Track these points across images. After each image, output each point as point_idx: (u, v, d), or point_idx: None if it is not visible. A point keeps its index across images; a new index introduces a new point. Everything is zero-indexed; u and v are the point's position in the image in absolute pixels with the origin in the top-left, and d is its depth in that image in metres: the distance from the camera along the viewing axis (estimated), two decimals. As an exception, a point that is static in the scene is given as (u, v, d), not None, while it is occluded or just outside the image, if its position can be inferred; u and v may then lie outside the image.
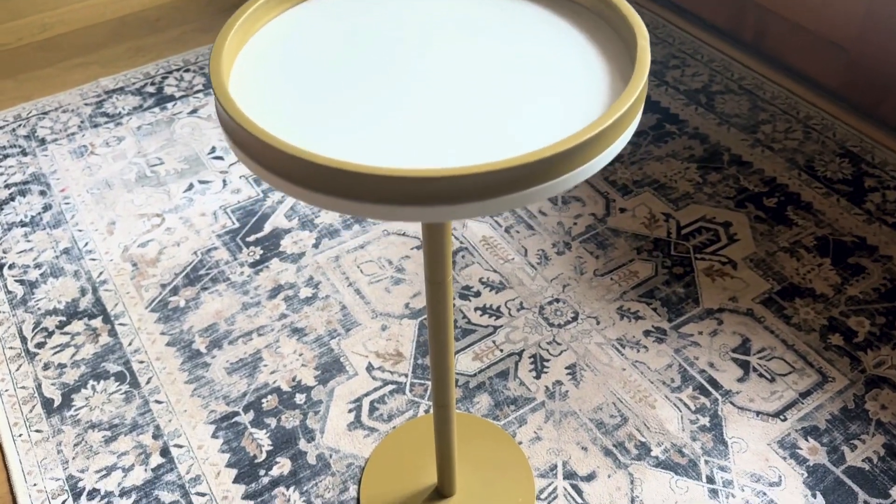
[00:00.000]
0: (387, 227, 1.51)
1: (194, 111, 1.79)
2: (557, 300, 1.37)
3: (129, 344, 1.31)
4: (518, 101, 0.61)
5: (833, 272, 1.40)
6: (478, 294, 1.38)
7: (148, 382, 1.26)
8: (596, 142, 0.54)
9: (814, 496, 1.10)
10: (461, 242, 1.47)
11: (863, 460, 1.14)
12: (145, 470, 1.15)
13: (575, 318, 1.34)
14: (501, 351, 1.29)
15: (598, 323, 1.33)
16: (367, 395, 1.23)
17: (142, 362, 1.29)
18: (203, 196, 1.58)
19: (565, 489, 1.11)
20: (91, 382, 1.26)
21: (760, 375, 1.25)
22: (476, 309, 1.36)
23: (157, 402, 1.23)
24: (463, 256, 1.45)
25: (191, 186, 1.60)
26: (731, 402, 1.21)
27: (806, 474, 1.12)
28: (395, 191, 0.53)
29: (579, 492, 1.11)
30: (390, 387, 1.24)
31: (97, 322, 1.35)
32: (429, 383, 1.25)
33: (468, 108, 0.60)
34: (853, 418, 1.19)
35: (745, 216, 1.51)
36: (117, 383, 1.26)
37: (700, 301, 1.36)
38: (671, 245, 1.46)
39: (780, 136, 1.69)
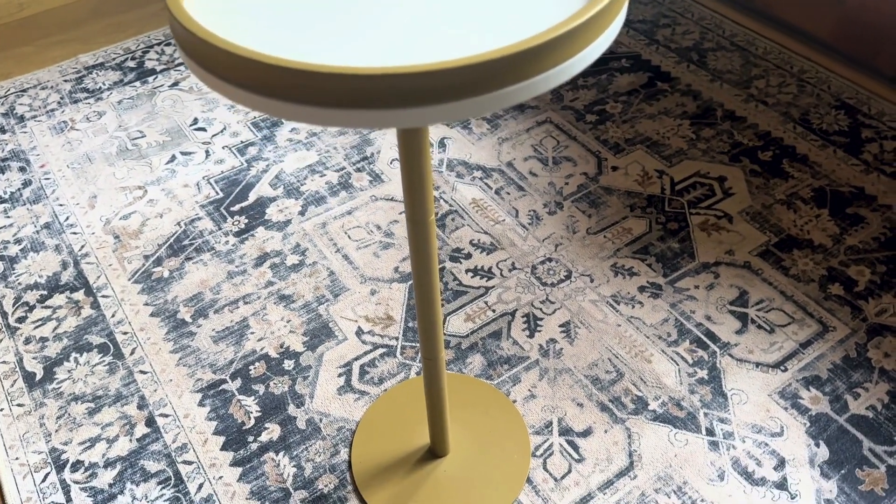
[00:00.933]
0: (374, 192, 1.47)
1: (175, 84, 1.75)
2: (550, 259, 1.34)
3: (113, 315, 1.28)
4: (497, 5, 0.57)
5: (831, 223, 1.37)
6: (468, 256, 1.35)
7: (132, 353, 1.23)
8: (580, 33, 0.51)
9: (817, 445, 1.07)
10: (450, 205, 1.44)
11: (867, 408, 1.11)
12: (130, 440, 1.12)
13: (568, 277, 1.31)
14: (494, 311, 1.26)
15: (591, 280, 1.30)
16: (356, 359, 1.20)
17: (125, 333, 1.26)
18: (186, 167, 1.54)
19: (561, 445, 1.08)
20: (74, 355, 1.23)
21: (759, 327, 1.22)
22: (467, 271, 1.32)
23: (142, 372, 1.20)
24: (453, 219, 1.41)
25: (173, 158, 1.57)
26: (730, 355, 1.18)
27: (808, 424, 1.09)
28: (366, 91, 0.49)
29: (575, 447, 1.08)
30: (381, 350, 1.21)
31: (79, 295, 1.32)
32: (419, 345, 1.22)
33: (443, 12, 0.57)
34: (856, 367, 1.16)
35: (740, 170, 1.48)
36: (101, 355, 1.23)
37: (696, 255, 1.33)
38: (665, 201, 1.43)
39: (773, 90, 1.66)
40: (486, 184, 1.48)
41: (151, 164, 1.56)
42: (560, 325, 1.23)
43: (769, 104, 1.62)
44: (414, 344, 1.22)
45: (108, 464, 1.09)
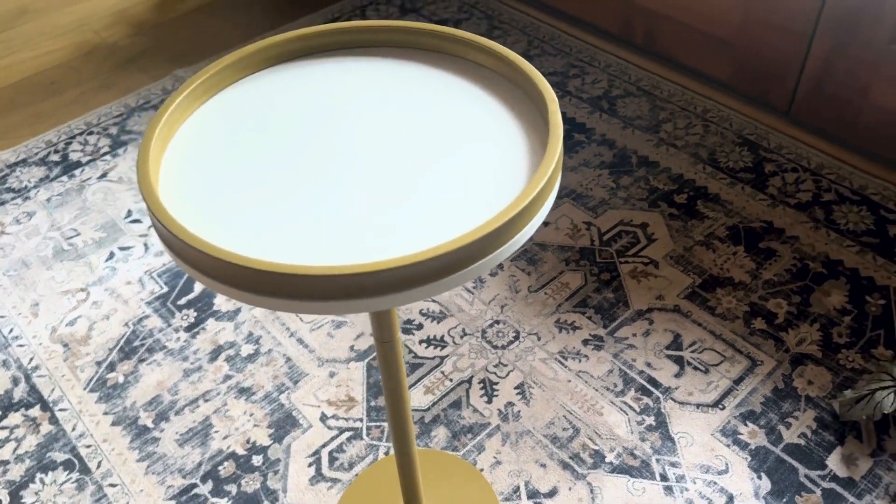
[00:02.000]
0: (319, 271, 1.51)
1: (104, 175, 1.75)
2: (497, 322, 1.41)
3: (73, 429, 1.28)
4: (444, 179, 0.63)
5: (747, 258, 1.49)
6: (420, 326, 1.40)
7: (99, 467, 1.23)
8: (525, 213, 0.58)
9: (759, 478, 1.17)
10: (395, 277, 1.49)
11: (798, 436, 1.22)
12: (109, 559, 1.12)
13: (517, 338, 1.38)
14: (451, 381, 1.32)
15: (538, 339, 1.37)
16: (324, 446, 1.24)
17: (89, 446, 1.26)
18: (126, 263, 1.55)
19: (530, 509, 1.15)
20: (39, 475, 1.22)
21: (695, 368, 1.32)
22: (421, 342, 1.38)
23: (112, 485, 1.21)
24: (399, 291, 1.47)
25: (112, 255, 1.57)
26: (672, 399, 1.28)
27: (749, 458, 1.20)
28: (338, 288, 0.55)
29: (544, 509, 1.15)
30: (347, 434, 1.26)
31: (35, 411, 1.31)
32: (385, 424, 1.27)
33: (397, 193, 0.63)
34: (784, 397, 1.27)
35: (659, 215, 1.59)
36: (67, 472, 1.22)
37: (630, 303, 1.42)
38: (596, 252, 1.52)
39: (681, 132, 1.78)
40: (426, 252, 1.54)
41: (90, 263, 1.55)
42: (515, 388, 1.30)
43: (678, 146, 1.74)
44: (379, 423, 1.26)
45: (90, 587, 1.10)
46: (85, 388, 1.34)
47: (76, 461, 1.24)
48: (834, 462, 1.19)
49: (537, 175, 0.59)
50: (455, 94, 0.72)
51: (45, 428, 1.28)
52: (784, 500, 1.14)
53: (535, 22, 2.16)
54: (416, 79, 0.74)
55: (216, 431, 1.27)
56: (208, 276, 0.58)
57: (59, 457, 1.25)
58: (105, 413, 1.30)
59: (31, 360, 1.38)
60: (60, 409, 1.31)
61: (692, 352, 1.34)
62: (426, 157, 0.66)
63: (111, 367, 1.37)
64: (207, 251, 0.56)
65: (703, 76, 1.91)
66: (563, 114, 1.84)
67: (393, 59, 0.76)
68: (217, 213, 0.62)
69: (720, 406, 1.26)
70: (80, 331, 1.43)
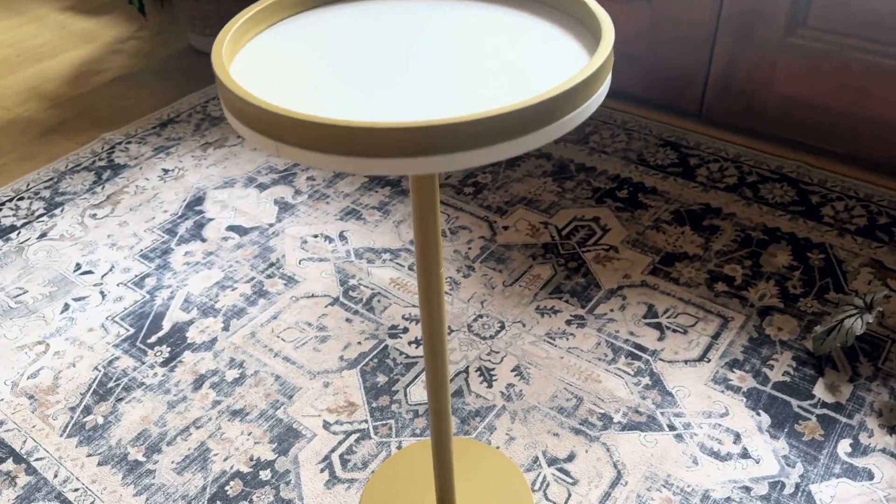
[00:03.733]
0: (292, 293, 1.50)
1: (44, 235, 1.67)
2: (481, 316, 1.43)
3: (55, 476, 1.18)
4: (503, 75, 0.68)
5: (695, 235, 1.60)
6: (406, 330, 1.41)
7: (91, 508, 1.14)
8: (589, 84, 0.63)
9: (758, 414, 1.23)
10: (371, 289, 1.50)
11: (782, 374, 1.30)
12: None
13: (502, 327, 1.40)
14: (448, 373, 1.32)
15: (524, 326, 1.41)
16: (333, 450, 1.21)
17: (76, 490, 1.16)
18: (84, 312, 1.47)
19: (553, 475, 1.15)
20: (23, 528, 1.11)
21: (674, 331, 1.38)
22: (409, 343, 1.38)
23: (110, 524, 1.12)
24: (379, 301, 1.47)
25: (66, 307, 1.49)
26: (661, 359, 1.33)
27: (745, 399, 1.26)
28: (408, 142, 0.57)
29: (566, 473, 1.16)
30: (354, 436, 1.23)
31: (8, 465, 1.20)
32: (392, 422, 1.25)
33: (464, 79, 0.67)
34: (761, 344, 1.35)
35: (607, 209, 1.68)
36: (55, 519, 1.12)
37: (601, 285, 1.49)
38: (558, 246, 1.59)
39: (608, 141, 1.91)
40: (397, 263, 1.56)
41: (45, 317, 1.47)
42: (512, 370, 1.32)
43: (609, 153, 1.87)
44: (385, 421, 1.24)
45: None
46: (62, 435, 1.24)
47: (64, 506, 1.14)
48: (819, 391, 1.26)
49: (598, 54, 0.64)
50: (507, 19, 0.77)
51: (23, 480, 1.18)
52: (786, 429, 1.21)
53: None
54: (469, 8, 0.79)
55: (215, 454, 1.21)
56: (291, 143, 0.59)
57: (44, 505, 1.14)
58: (89, 455, 1.21)
59: (-6, 415, 1.28)
60: (36, 459, 1.21)
61: (668, 317, 1.41)
62: (488, 54, 0.70)
63: (87, 411, 1.28)
64: (286, 114, 0.57)
65: (619, 94, 2.07)
66: (498, 136, 1.94)
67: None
68: (285, 92, 0.64)
69: (706, 359, 1.33)
70: (45, 381, 1.34)
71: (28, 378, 1.34)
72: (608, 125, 1.97)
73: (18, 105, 2.17)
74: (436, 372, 0.93)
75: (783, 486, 1.13)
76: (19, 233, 1.68)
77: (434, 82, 0.67)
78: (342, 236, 1.64)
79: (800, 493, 1.12)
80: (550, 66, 0.69)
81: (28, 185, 1.83)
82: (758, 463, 1.16)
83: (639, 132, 1.93)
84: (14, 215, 1.73)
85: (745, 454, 1.17)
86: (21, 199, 1.79)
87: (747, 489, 1.13)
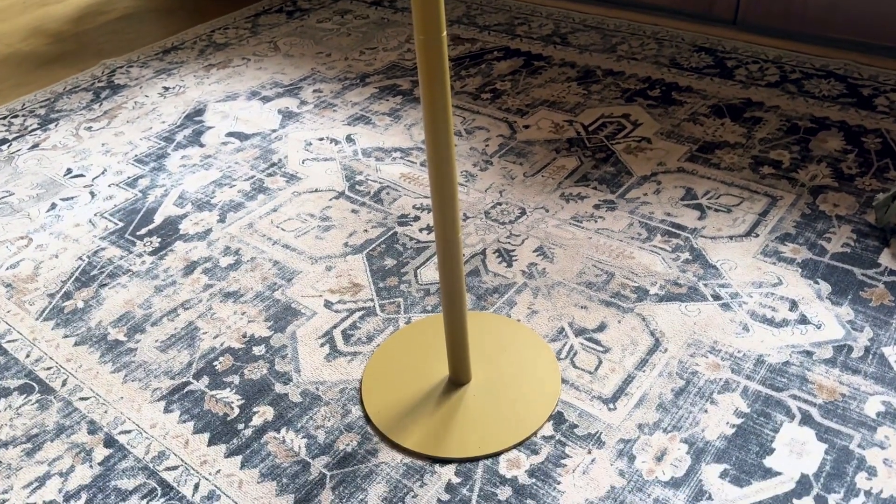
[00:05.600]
0: (295, 188, 1.38)
1: (35, 146, 1.57)
2: (499, 203, 1.30)
3: (27, 356, 1.07)
4: None
5: (736, 126, 1.45)
6: (416, 218, 1.28)
7: (64, 385, 1.02)
8: None
9: (816, 283, 1.08)
10: (380, 183, 1.37)
11: (842, 245, 1.14)
12: (90, 467, 0.90)
13: (523, 213, 1.27)
14: (463, 255, 1.18)
15: (547, 211, 1.27)
16: (335, 327, 1.07)
17: (48, 368, 1.04)
18: (71, 210, 1.37)
19: (582, 344, 1.01)
20: (-12, 403, 1.00)
21: (716, 210, 1.24)
22: (420, 230, 1.25)
23: (83, 398, 0.99)
24: (388, 193, 1.34)
25: (53, 206, 1.38)
26: (702, 236, 1.18)
27: (800, 269, 1.10)
28: None
29: (597, 342, 1.01)
30: (359, 313, 1.09)
31: (-23, 346, 1.09)
32: (400, 300, 1.11)
33: None
34: (815, 220, 1.20)
35: (639, 106, 1.55)
36: (24, 395, 1.00)
37: (633, 172, 1.35)
38: (584, 140, 1.45)
39: (637, 50, 1.78)
40: (408, 160, 1.43)
41: (30, 214, 1.36)
42: (534, 251, 1.18)
43: (639, 59, 1.73)
44: (393, 300, 1.11)
45: (70, 496, 0.87)
46: (38, 319, 1.13)
47: (35, 384, 1.02)
48: (886, 259, 1.11)
49: None
50: None
51: (-8, 360, 1.07)
52: (849, 296, 1.05)
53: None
54: None
55: (204, 333, 1.08)
56: None
57: (13, 383, 1.03)
58: (65, 336, 1.09)
59: (-33, 302, 1.17)
60: (9, 341, 1.09)
61: (709, 199, 1.27)
62: None
63: (67, 296, 1.17)
64: None
65: (646, 6, 1.93)
66: (517, 49, 1.82)
67: None
68: None
69: (754, 234, 1.18)
70: (25, 271, 1.23)
71: (7, 269, 1.24)
72: (636, 36, 1.83)
73: (20, 41, 2.10)
74: (443, 206, 0.80)
75: (850, 349, 0.97)
76: (10, 145, 1.59)
77: None
78: (349, 139, 1.52)
79: (871, 356, 0.96)
80: None
81: (23, 104, 1.75)
82: (819, 328, 1.00)
83: (670, 41, 1.80)
84: (6, 130, 1.64)
85: (803, 320, 1.02)
86: (15, 116, 1.70)
87: (808, 353, 0.97)
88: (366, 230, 1.26)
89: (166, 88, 1.76)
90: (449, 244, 0.84)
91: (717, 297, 1.07)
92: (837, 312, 1.03)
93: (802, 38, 1.74)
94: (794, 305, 1.04)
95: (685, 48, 1.76)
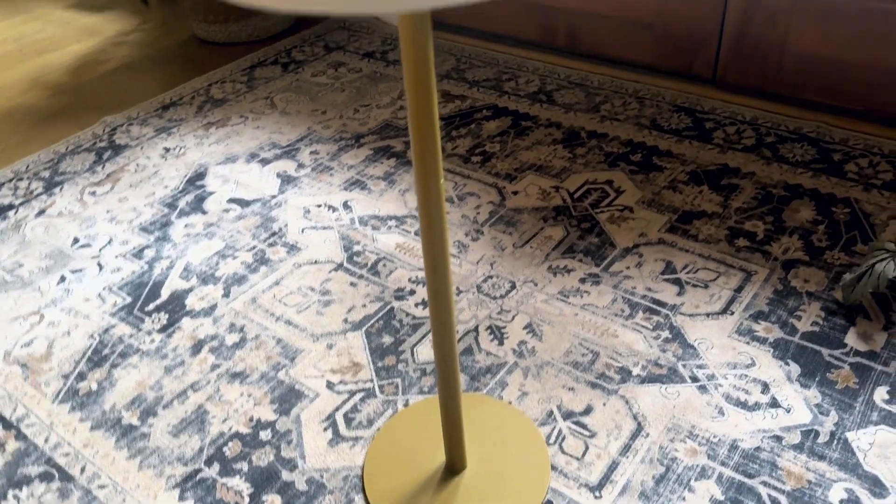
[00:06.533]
0: (295, 260, 1.44)
1: (41, 212, 1.63)
2: (490, 277, 1.37)
3: (46, 441, 1.13)
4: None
5: (714, 195, 1.53)
6: (412, 292, 1.35)
7: (83, 472, 1.08)
8: None
9: (787, 364, 1.16)
10: (377, 255, 1.44)
11: (811, 325, 1.22)
12: (112, 557, 0.97)
13: (513, 287, 1.34)
14: (457, 332, 1.26)
15: (535, 285, 1.34)
16: (337, 409, 1.14)
17: (67, 454, 1.11)
18: (80, 283, 1.43)
19: (569, 428, 1.09)
20: (12, 492, 1.06)
21: (694, 286, 1.31)
22: (416, 304, 1.32)
23: (101, 486, 1.06)
24: (384, 265, 1.41)
25: (63, 279, 1.44)
26: (681, 313, 1.26)
27: (772, 349, 1.18)
28: None
29: (583, 426, 1.09)
30: (359, 395, 1.16)
31: (-3, 431, 1.15)
32: (398, 380, 1.18)
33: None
34: (787, 296, 1.28)
35: (621, 172, 1.62)
36: (45, 483, 1.07)
37: (615, 244, 1.42)
38: (570, 208, 1.52)
39: (619, 110, 1.85)
40: (403, 229, 1.50)
41: (40, 288, 1.42)
42: (524, 328, 1.25)
43: (621, 119, 1.81)
44: (391, 380, 1.18)
45: (94, 589, 0.94)
46: (54, 402, 1.19)
47: (55, 471, 1.08)
48: (852, 340, 1.19)
49: None
50: None
51: (12, 446, 1.13)
52: (817, 378, 1.13)
53: (459, 45, 2.24)
54: None
55: (213, 417, 1.15)
56: None
57: (34, 470, 1.09)
58: (81, 420, 1.16)
59: (-15, 383, 1.23)
60: (27, 425, 1.16)
61: (687, 273, 1.34)
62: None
63: (81, 377, 1.23)
64: None
65: (628, 63, 2.01)
66: (505, 108, 1.89)
67: None
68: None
69: (729, 312, 1.26)
70: (39, 350, 1.29)
71: (21, 347, 1.29)
72: (619, 95, 1.91)
73: (20, 94, 2.15)
74: (437, 295, 0.87)
75: (817, 434, 1.05)
76: (17, 211, 1.64)
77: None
78: (346, 205, 1.58)
79: (836, 441, 1.04)
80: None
81: (27, 166, 1.80)
82: (788, 412, 1.08)
83: (651, 99, 1.88)
84: (13, 195, 1.70)
85: (774, 404, 1.10)
86: (20, 179, 1.75)
87: (778, 438, 1.05)
88: (364, 305, 1.33)
89: (167, 149, 1.82)
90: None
91: (695, 379, 1.14)
92: (806, 395, 1.11)
93: (778, 99, 1.82)
94: (765, 388, 1.12)
95: (665, 108, 1.83)
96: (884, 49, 1.63)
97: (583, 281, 1.34)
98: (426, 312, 1.30)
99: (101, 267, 1.47)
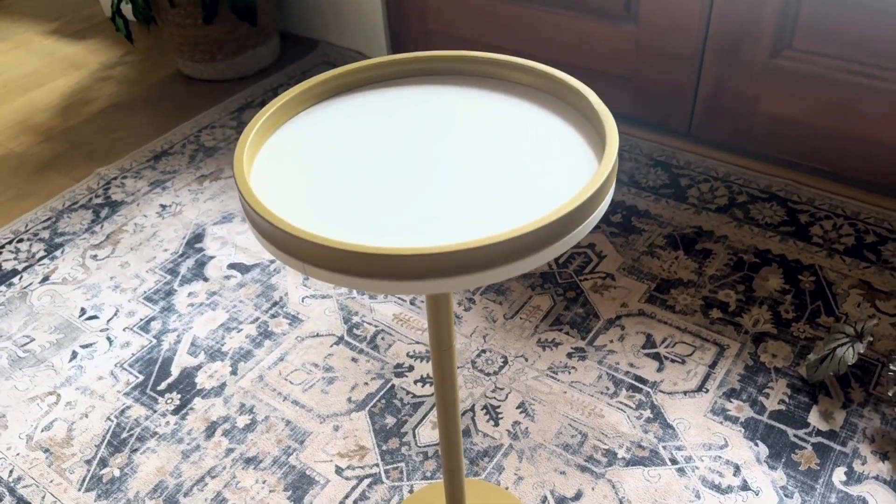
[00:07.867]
0: (297, 333, 1.52)
1: (46, 279, 1.69)
2: (484, 351, 1.46)
3: (76, 533, 1.21)
4: (512, 181, 0.71)
5: (689, 260, 1.64)
6: (411, 368, 1.44)
7: (114, 565, 1.17)
8: (583, 210, 0.65)
9: (756, 445, 1.27)
10: (375, 326, 1.52)
11: (778, 403, 1.34)
12: None
13: (506, 363, 1.44)
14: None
15: (526, 360, 1.44)
16: (346, 497, 1.24)
17: (98, 547, 1.19)
18: (92, 360, 1.49)
19: (562, 514, 1.20)
20: (48, 587, 1.14)
21: (672, 361, 1.42)
22: (415, 382, 1.41)
23: (133, 580, 1.15)
24: (383, 338, 1.50)
25: (75, 355, 1.51)
26: (661, 391, 1.37)
27: (743, 430, 1.30)
28: (424, 267, 0.60)
29: (575, 512, 1.20)
30: (367, 480, 1.26)
31: (29, 523, 1.23)
32: (402, 465, 1.28)
33: (470, 191, 0.70)
34: (756, 372, 1.39)
35: (602, 234, 1.72)
36: (79, 578, 1.15)
37: (599, 315, 1.52)
38: (556, 275, 1.62)
39: (600, 162, 1.94)
40: (399, 298, 1.59)
41: (54, 366, 1.49)
42: (517, 407, 1.36)
43: (602, 174, 1.89)
44: (395, 464, 1.28)
45: None
46: (80, 489, 1.27)
47: (87, 564, 1.17)
48: (814, 419, 1.31)
49: (599, 171, 0.67)
50: (513, 110, 0.80)
51: (44, 537, 1.21)
52: (783, 459, 1.25)
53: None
54: (477, 99, 0.81)
55: (232, 505, 1.24)
56: (317, 265, 0.62)
57: (67, 563, 1.17)
58: (107, 510, 1.24)
59: (12, 472, 1.30)
60: (56, 516, 1.24)
61: (666, 347, 1.45)
62: (495, 161, 0.73)
63: (103, 463, 1.31)
64: (313, 240, 0.60)
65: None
66: (491, 160, 1.96)
67: (452, 85, 0.84)
68: (308, 211, 0.67)
69: (704, 390, 1.37)
70: (60, 433, 1.36)
71: (42, 431, 1.37)
72: (599, 145, 1.99)
73: (10, 139, 2.17)
74: (445, 413, 0.96)
75: (783, 518, 1.18)
76: (21, 277, 1.69)
77: (445, 188, 0.70)
78: (343, 272, 1.66)
79: (799, 525, 1.16)
80: (556, 168, 0.72)
81: (27, 225, 1.84)
82: (757, 495, 1.20)
83: (630, 152, 1.97)
84: (15, 258, 1.75)
85: (745, 486, 1.22)
86: (20, 240, 1.80)
87: (749, 522, 1.17)
88: (366, 382, 1.42)
89: (163, 206, 1.87)
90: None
91: (674, 461, 1.26)
92: (773, 478, 1.23)
93: (749, 154, 1.92)
94: (737, 470, 1.24)
95: (643, 162, 1.93)
96: (849, 117, 1.73)
97: (570, 356, 1.44)
98: (425, 390, 1.39)
99: (110, 341, 1.53)
